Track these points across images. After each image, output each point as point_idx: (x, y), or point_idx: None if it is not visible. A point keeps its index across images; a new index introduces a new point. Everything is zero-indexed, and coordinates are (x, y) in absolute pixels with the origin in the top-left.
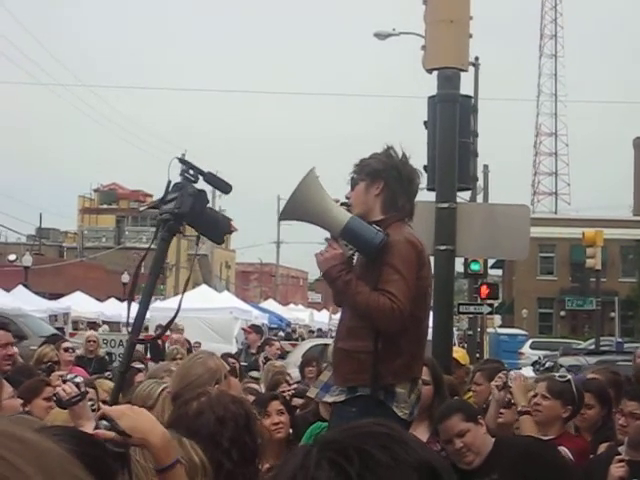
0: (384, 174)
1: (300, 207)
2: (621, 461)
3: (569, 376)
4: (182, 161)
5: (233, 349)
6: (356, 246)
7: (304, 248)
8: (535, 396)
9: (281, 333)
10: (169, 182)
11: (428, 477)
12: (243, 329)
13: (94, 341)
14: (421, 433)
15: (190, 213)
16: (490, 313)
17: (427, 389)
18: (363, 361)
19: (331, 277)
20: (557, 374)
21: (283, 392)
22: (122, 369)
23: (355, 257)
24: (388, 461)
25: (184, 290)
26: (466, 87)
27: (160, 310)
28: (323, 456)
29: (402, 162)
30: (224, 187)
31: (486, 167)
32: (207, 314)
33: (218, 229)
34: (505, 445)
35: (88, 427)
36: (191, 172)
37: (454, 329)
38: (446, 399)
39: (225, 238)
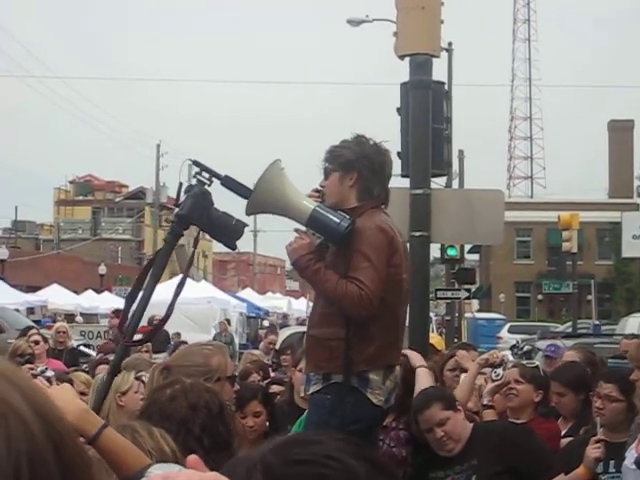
0: (357, 164)
1: (264, 200)
2: (598, 442)
3: (537, 362)
4: (196, 163)
5: (211, 338)
6: (323, 234)
7: (281, 236)
8: (508, 383)
9: (265, 322)
10: (180, 184)
11: None
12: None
13: (64, 332)
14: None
15: (189, 215)
16: (467, 298)
17: None
18: (334, 348)
19: (300, 267)
20: (525, 361)
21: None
22: (112, 371)
23: (329, 246)
24: None
25: (178, 291)
26: (440, 73)
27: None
28: None
29: (374, 150)
30: (243, 192)
31: (461, 152)
32: (185, 304)
33: (229, 234)
34: (483, 430)
35: None
36: (205, 175)
37: (432, 315)
38: (413, 390)
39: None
